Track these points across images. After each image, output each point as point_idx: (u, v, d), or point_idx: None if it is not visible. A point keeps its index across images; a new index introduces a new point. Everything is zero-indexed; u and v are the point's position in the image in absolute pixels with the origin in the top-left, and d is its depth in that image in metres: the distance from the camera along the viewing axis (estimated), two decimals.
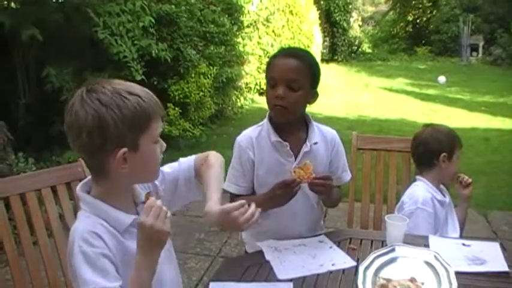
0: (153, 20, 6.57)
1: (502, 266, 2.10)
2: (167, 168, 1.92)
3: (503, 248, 4.47)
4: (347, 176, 2.55)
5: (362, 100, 11.83)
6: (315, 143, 2.36)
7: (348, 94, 12.39)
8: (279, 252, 2.16)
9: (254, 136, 2.38)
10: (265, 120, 2.39)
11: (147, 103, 1.59)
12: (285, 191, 2.16)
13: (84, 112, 1.52)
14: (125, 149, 1.55)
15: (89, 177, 1.69)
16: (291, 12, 11.75)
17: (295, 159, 2.33)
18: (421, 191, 2.65)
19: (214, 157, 1.91)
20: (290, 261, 2.09)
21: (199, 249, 4.49)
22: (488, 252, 2.23)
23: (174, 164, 1.95)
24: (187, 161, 1.95)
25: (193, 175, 1.92)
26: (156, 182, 1.83)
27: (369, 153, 3.05)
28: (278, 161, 2.34)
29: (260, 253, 2.17)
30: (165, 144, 1.71)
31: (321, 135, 2.42)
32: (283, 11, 11.59)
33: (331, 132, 2.49)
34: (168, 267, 1.82)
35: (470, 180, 2.87)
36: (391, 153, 3.02)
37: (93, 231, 1.56)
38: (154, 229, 1.48)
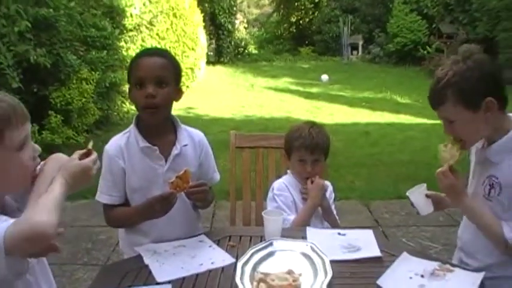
0: (29, 25, 6.30)
1: (375, 251, 2.20)
2: None
3: (384, 235, 4.71)
4: (217, 176, 2.58)
5: (248, 100, 11.97)
6: (185, 145, 2.37)
7: (234, 95, 12.50)
8: (158, 255, 2.14)
9: (122, 143, 2.33)
10: (132, 126, 2.35)
11: None
12: (163, 204, 2.17)
13: None
14: None
15: None
16: (174, 15, 11.68)
17: (166, 162, 2.32)
18: (278, 180, 2.81)
19: (48, 165, 1.75)
20: (169, 263, 2.08)
21: (87, 259, 4.36)
22: (362, 240, 2.33)
23: None
24: None
25: None
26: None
27: (248, 151, 3.09)
28: (149, 166, 2.31)
29: (138, 257, 2.13)
30: (38, 148, 1.66)
31: (190, 138, 2.43)
32: (166, 14, 11.49)
33: (198, 134, 2.51)
34: (44, 277, 1.78)
35: None
36: (270, 150, 3.07)
37: None
38: (92, 171, 1.72)
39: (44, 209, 1.51)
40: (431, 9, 18.39)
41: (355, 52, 20.16)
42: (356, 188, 6.14)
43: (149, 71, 2.23)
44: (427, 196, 2.32)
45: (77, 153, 1.76)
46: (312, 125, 2.79)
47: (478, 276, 1.97)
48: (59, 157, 1.79)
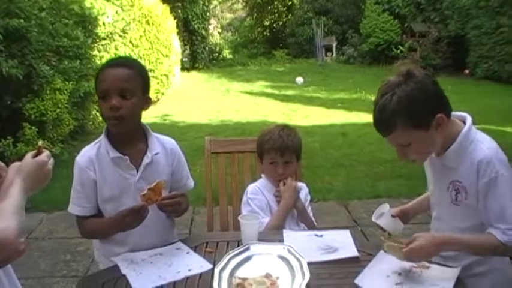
0: (0, 36, 6.23)
1: (352, 251, 2.23)
2: None
3: (363, 234, 4.72)
4: (191, 182, 2.58)
5: (224, 105, 11.96)
6: (156, 154, 2.36)
7: (209, 100, 12.48)
8: (136, 264, 2.13)
9: (93, 154, 2.32)
10: (102, 136, 2.34)
11: None
12: (134, 217, 2.16)
13: None
14: None
15: None
16: (147, 22, 11.63)
17: (137, 171, 2.31)
18: (252, 184, 2.84)
19: (8, 174, 1.71)
20: (146, 271, 2.07)
21: (66, 271, 4.32)
22: (339, 240, 2.35)
23: None
24: None
25: None
26: None
27: (223, 156, 3.10)
28: (121, 176, 2.30)
29: (115, 267, 2.11)
30: (2, 165, 1.64)
31: (161, 146, 2.42)
32: (139, 21, 11.44)
33: (171, 142, 2.50)
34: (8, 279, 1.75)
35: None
36: (245, 154, 3.08)
37: None
38: (47, 166, 1.71)
39: (2, 215, 1.50)
40: (403, 8, 18.56)
41: (329, 53, 20.25)
42: (334, 188, 6.17)
43: (113, 83, 2.22)
44: (393, 216, 2.30)
45: (29, 154, 1.75)
46: (283, 127, 2.81)
47: (455, 272, 1.99)
48: (14, 164, 1.77)
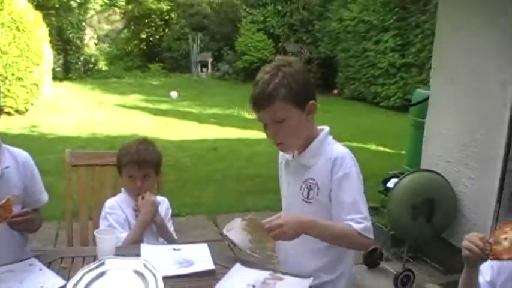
0: None
1: (208, 265, 2.27)
2: None
3: (230, 248, 4.79)
4: (45, 196, 2.52)
5: (96, 118, 11.69)
6: (7, 167, 2.28)
7: (81, 112, 12.12)
8: None
9: None
10: None
11: None
12: None
13: None
14: None
15: None
16: (17, 28, 11.16)
17: None
18: (110, 199, 2.80)
19: None
20: None
21: None
22: (197, 254, 2.39)
23: None
24: None
25: None
26: None
27: (84, 169, 3.04)
28: None
29: None
30: None
31: (13, 159, 2.34)
32: (8, 26, 10.97)
33: (23, 155, 2.42)
34: None
35: None
36: (106, 168, 3.05)
37: None
38: None
39: None
40: (277, 29, 19.18)
41: (204, 69, 20.49)
42: (203, 203, 6.22)
43: None
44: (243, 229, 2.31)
45: None
46: (141, 141, 2.83)
47: (307, 282, 2.09)
48: None
